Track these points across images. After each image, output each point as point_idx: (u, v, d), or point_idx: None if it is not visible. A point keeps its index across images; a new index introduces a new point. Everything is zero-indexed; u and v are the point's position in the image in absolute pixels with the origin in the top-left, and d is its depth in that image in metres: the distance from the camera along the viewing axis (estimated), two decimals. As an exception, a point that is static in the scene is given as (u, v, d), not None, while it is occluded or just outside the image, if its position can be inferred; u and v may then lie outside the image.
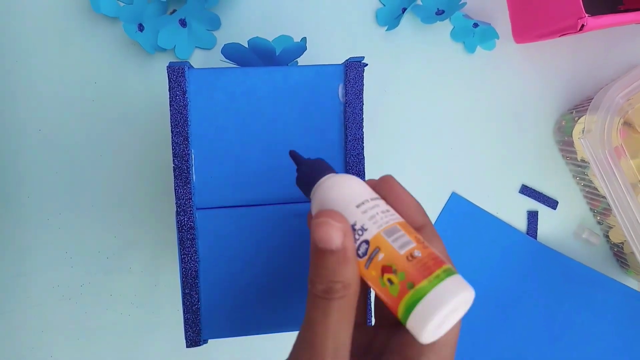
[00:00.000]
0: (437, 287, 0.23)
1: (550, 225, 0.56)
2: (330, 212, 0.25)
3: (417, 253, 0.24)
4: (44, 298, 0.51)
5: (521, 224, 0.56)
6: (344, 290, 0.24)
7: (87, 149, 0.50)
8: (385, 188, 0.27)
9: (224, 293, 0.35)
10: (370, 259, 0.24)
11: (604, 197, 0.52)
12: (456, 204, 0.55)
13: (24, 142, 0.50)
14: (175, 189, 0.34)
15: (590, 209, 0.56)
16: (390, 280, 0.23)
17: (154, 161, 0.51)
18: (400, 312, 0.23)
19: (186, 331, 0.35)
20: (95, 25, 0.50)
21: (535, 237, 0.56)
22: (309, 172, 0.29)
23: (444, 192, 0.55)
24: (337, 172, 0.29)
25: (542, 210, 0.56)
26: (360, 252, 0.25)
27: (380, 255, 0.24)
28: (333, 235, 0.24)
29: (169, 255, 0.52)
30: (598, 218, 0.56)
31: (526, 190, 0.56)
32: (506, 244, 0.55)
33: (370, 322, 0.34)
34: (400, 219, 0.26)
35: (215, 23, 0.50)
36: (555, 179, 0.56)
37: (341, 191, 0.26)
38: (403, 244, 0.24)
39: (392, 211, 0.26)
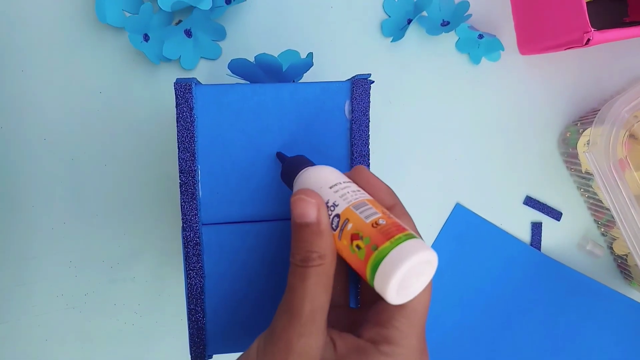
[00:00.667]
0: (398, 246, 0.24)
1: (554, 237, 0.56)
2: (306, 190, 0.28)
3: (381, 221, 0.26)
4: (48, 307, 0.51)
5: (525, 235, 0.56)
6: (319, 259, 0.27)
7: (92, 159, 0.50)
8: (357, 175, 0.30)
9: (229, 308, 0.35)
10: (342, 230, 0.27)
11: (608, 209, 0.52)
12: (460, 214, 0.55)
13: (29, 151, 0.50)
14: (181, 205, 0.34)
15: (595, 220, 0.56)
16: (358, 246, 0.26)
17: (158, 171, 0.51)
18: (367, 275, 0.25)
19: (191, 347, 0.35)
20: (101, 35, 0.50)
21: (539, 248, 0.56)
22: (291, 166, 0.32)
23: (448, 203, 0.55)
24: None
25: (546, 221, 0.56)
26: (333, 226, 0.27)
27: (349, 225, 0.26)
28: (308, 210, 0.27)
29: (173, 265, 0.52)
30: (602, 230, 0.56)
31: (530, 202, 0.56)
32: (510, 255, 0.55)
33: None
34: (370, 197, 0.28)
35: (220, 33, 0.50)
36: (559, 191, 0.56)
37: (317, 176, 0.29)
38: (369, 215, 0.26)
39: (363, 192, 0.29)
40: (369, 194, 0.29)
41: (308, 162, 0.32)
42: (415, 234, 0.26)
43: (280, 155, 0.34)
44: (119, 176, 0.51)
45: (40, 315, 0.51)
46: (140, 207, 0.51)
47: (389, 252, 0.24)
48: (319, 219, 0.27)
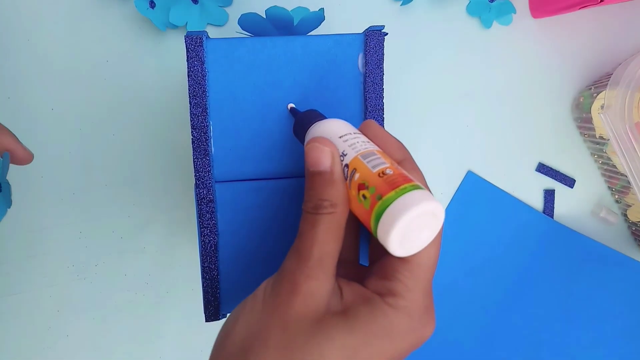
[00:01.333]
0: (403, 196, 0.24)
1: (567, 204, 0.55)
2: (321, 138, 0.28)
3: (388, 171, 0.25)
4: (58, 278, 0.51)
5: (538, 202, 0.55)
6: (331, 207, 0.26)
7: (100, 128, 0.50)
8: (367, 129, 0.30)
9: (243, 267, 0.35)
10: (350, 180, 0.26)
11: (622, 174, 0.51)
12: (472, 182, 0.54)
13: (36, 122, 0.49)
14: (194, 162, 0.33)
15: (608, 187, 0.56)
16: (364, 196, 0.25)
17: (167, 140, 0.50)
18: (372, 225, 0.25)
19: (205, 306, 0.35)
20: (107, 2, 0.49)
21: (552, 216, 0.55)
22: (303, 121, 0.31)
23: (460, 170, 0.54)
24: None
25: (559, 188, 0.55)
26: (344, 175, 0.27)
27: (357, 175, 0.26)
28: (322, 158, 0.27)
29: (183, 235, 0.51)
30: (616, 196, 0.55)
31: (543, 169, 0.55)
32: (522, 222, 0.55)
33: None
34: (378, 149, 0.28)
35: (227, -1, 0.49)
36: (572, 157, 0.55)
37: (328, 127, 0.29)
38: (376, 165, 0.26)
39: (372, 143, 0.28)
40: (376, 143, 0.29)
41: (320, 116, 0.31)
42: (422, 186, 0.25)
43: (293, 110, 0.34)
44: (127, 146, 0.50)
45: (52, 287, 0.51)
46: (149, 177, 0.51)
47: (392, 201, 0.24)
48: (332, 168, 0.27)
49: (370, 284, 0.27)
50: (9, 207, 0.34)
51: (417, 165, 0.29)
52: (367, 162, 0.26)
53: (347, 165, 0.27)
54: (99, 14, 0.49)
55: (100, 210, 0.51)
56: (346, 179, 0.27)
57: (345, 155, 0.27)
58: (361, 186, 0.25)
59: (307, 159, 0.28)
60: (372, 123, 0.30)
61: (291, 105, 0.34)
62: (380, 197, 0.24)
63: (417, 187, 0.24)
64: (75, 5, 0.49)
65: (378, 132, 0.30)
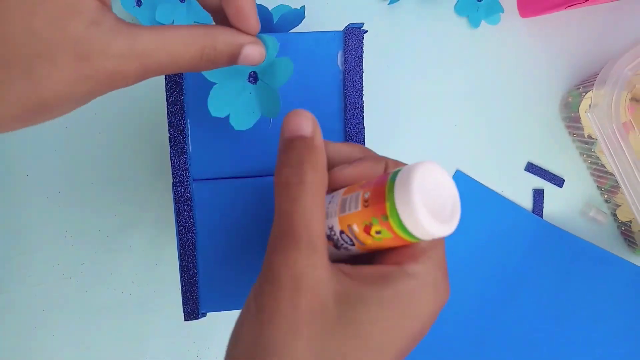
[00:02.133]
0: (399, 175, 0.22)
1: (556, 204, 0.55)
2: (301, 109, 0.25)
3: (366, 195, 0.23)
4: (44, 277, 0.50)
5: (527, 202, 0.55)
6: (312, 171, 0.23)
7: (85, 127, 0.50)
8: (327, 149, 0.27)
9: (221, 265, 0.35)
10: (357, 238, 0.24)
11: (611, 174, 0.51)
12: (460, 182, 0.54)
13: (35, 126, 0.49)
14: (171, 160, 0.33)
15: (598, 186, 0.55)
16: (378, 232, 0.23)
17: (153, 139, 0.50)
18: (399, 231, 0.22)
19: (184, 304, 0.34)
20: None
21: (541, 215, 0.55)
22: None
23: (448, 170, 0.54)
24: None
25: (548, 188, 0.55)
26: (348, 245, 0.25)
27: (355, 227, 0.23)
28: (304, 124, 0.24)
29: (169, 234, 0.51)
30: (605, 196, 0.55)
31: (532, 168, 0.55)
32: (512, 222, 0.54)
33: None
34: (342, 191, 0.25)
35: (214, -2, 0.49)
36: (561, 157, 0.55)
37: None
38: (356, 202, 0.23)
39: (333, 194, 0.26)
40: (341, 163, 0.27)
41: None
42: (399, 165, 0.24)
43: None
44: (113, 144, 0.50)
45: (37, 285, 0.50)
46: (135, 176, 0.51)
47: (394, 181, 0.22)
48: (314, 134, 0.24)
49: (383, 260, 0.24)
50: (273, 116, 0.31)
51: (374, 153, 0.28)
52: (349, 210, 0.24)
53: (342, 232, 0.24)
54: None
55: (86, 209, 0.50)
56: (355, 243, 0.24)
57: (331, 227, 0.25)
58: (367, 229, 0.23)
59: (286, 127, 0.25)
60: (326, 144, 0.27)
61: None
62: (386, 218, 0.22)
63: (401, 165, 0.23)
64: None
65: (332, 148, 0.27)
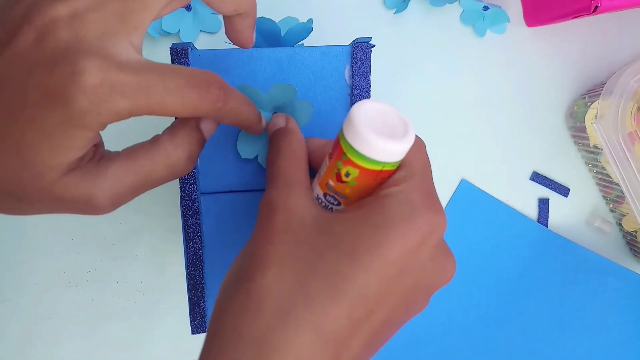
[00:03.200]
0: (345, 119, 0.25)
1: (561, 213, 0.55)
2: (278, 113, 0.32)
3: (329, 152, 0.26)
4: (50, 285, 0.51)
5: (532, 211, 0.55)
6: (290, 134, 0.29)
7: (92, 135, 0.50)
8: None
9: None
10: (337, 194, 0.26)
11: (617, 184, 0.51)
12: (466, 191, 0.54)
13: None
14: (179, 173, 0.33)
15: (603, 196, 0.55)
16: (347, 174, 0.25)
17: (159, 147, 0.50)
18: (343, 142, 0.25)
19: (192, 319, 0.35)
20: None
21: (546, 225, 0.55)
22: None
23: (454, 179, 0.54)
24: None
25: (554, 197, 0.55)
26: (335, 204, 0.27)
27: (330, 182, 0.26)
28: (278, 121, 0.30)
29: (175, 242, 0.51)
30: (611, 206, 0.55)
31: (537, 178, 0.55)
32: (517, 231, 0.54)
33: None
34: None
35: (220, 7, 0.49)
36: (567, 166, 0.55)
37: None
38: (325, 163, 0.27)
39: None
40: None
41: None
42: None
43: None
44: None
45: (43, 293, 0.51)
46: (141, 184, 0.51)
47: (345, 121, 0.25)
48: (287, 123, 0.30)
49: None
50: None
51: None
52: (322, 171, 0.27)
53: (324, 195, 0.27)
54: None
55: (92, 217, 0.51)
56: (337, 203, 0.27)
57: (317, 196, 0.28)
58: (338, 177, 0.25)
59: (268, 127, 0.30)
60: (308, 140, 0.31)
61: None
62: (344, 155, 0.24)
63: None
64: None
65: (314, 143, 0.31)
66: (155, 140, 0.28)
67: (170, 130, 0.28)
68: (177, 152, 0.27)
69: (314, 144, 0.30)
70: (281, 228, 0.25)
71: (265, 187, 0.27)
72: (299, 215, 0.25)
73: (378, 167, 0.24)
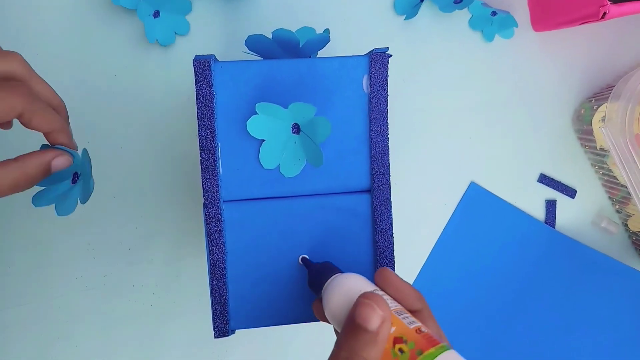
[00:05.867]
0: (442, 354, 0.26)
1: (568, 214, 0.56)
2: (377, 296, 0.28)
3: (423, 329, 0.28)
4: (67, 289, 0.51)
5: (539, 213, 0.56)
6: (380, 344, 0.27)
7: (107, 141, 0.51)
8: (383, 279, 0.31)
9: (250, 284, 0.36)
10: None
11: (623, 185, 0.51)
12: (475, 193, 0.55)
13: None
14: (202, 182, 0.34)
15: (609, 197, 0.56)
16: (401, 350, 0.27)
17: (174, 152, 0.51)
18: None
19: (214, 322, 0.35)
20: (114, 17, 0.50)
21: (553, 226, 0.56)
22: (319, 274, 0.33)
23: (463, 181, 0.55)
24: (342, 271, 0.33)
25: (561, 199, 0.56)
26: None
27: (392, 329, 0.28)
28: (373, 317, 0.27)
29: (190, 246, 0.52)
30: (617, 207, 0.56)
31: (545, 180, 0.55)
32: (524, 232, 0.55)
33: None
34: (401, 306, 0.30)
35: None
36: (573, 168, 0.56)
37: (349, 284, 0.31)
38: (411, 322, 0.28)
39: (392, 299, 0.30)
40: (395, 298, 0.31)
41: (335, 270, 0.33)
42: (450, 346, 0.27)
43: (305, 261, 0.36)
44: (135, 158, 0.51)
45: (60, 297, 0.51)
46: (156, 189, 0.51)
47: (434, 357, 0.26)
48: (380, 329, 0.27)
49: None
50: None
51: (432, 315, 0.32)
52: (403, 319, 0.28)
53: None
54: (106, 29, 0.50)
55: (108, 222, 0.51)
56: None
57: None
58: (397, 340, 0.27)
59: (357, 311, 0.28)
60: (388, 272, 0.31)
61: (303, 256, 0.36)
62: (420, 352, 0.26)
63: (449, 348, 0.27)
64: (84, 20, 0.50)
65: (395, 282, 0.31)
66: (6, 162, 0.31)
67: (22, 157, 0.32)
68: (22, 175, 0.31)
69: (395, 289, 0.31)
70: None
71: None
72: None
73: None
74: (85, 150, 0.37)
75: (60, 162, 0.33)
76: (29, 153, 0.32)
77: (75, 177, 0.35)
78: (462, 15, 0.53)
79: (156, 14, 0.49)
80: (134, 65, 0.50)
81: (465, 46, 0.54)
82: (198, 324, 0.52)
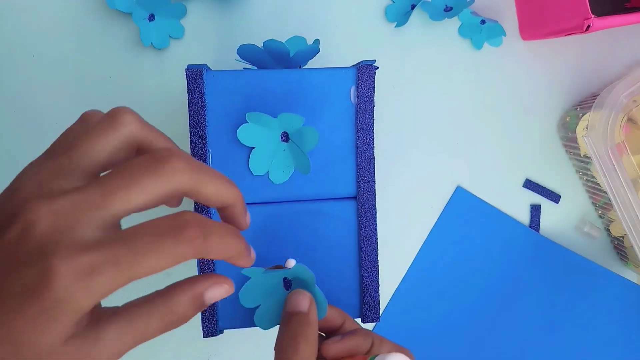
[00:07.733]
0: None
1: (552, 219, 0.58)
2: (301, 290, 0.32)
3: None
4: (61, 286, 0.52)
5: (524, 217, 0.57)
6: (304, 343, 0.29)
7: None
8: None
9: (239, 285, 0.37)
10: None
11: (605, 192, 0.53)
12: (461, 197, 0.56)
13: (41, 136, 0.51)
14: (193, 187, 0.35)
15: (592, 203, 0.58)
16: None
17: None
18: None
19: (203, 322, 0.37)
20: (110, 19, 0.51)
21: (538, 230, 0.57)
22: None
23: (450, 186, 0.56)
24: None
25: (545, 204, 0.57)
26: None
27: None
28: (302, 301, 0.31)
29: (182, 246, 0.53)
30: (599, 212, 0.58)
31: (530, 185, 0.57)
32: (509, 236, 0.57)
33: None
34: None
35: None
36: (558, 174, 0.57)
37: None
38: None
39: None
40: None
41: None
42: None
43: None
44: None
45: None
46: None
47: None
48: (309, 310, 0.30)
49: None
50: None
51: (354, 320, 0.35)
52: None
53: None
54: (101, 32, 0.51)
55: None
56: None
57: None
58: None
59: (287, 304, 0.31)
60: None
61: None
62: None
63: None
64: (80, 22, 0.51)
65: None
66: (151, 300, 0.27)
67: (169, 290, 0.27)
68: (170, 316, 0.26)
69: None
70: None
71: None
72: None
73: None
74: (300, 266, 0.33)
75: (216, 294, 0.27)
76: (178, 283, 0.27)
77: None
78: (452, 24, 0.54)
79: (151, 17, 0.50)
80: (129, 68, 0.51)
81: (454, 53, 0.55)
82: (187, 323, 0.53)
